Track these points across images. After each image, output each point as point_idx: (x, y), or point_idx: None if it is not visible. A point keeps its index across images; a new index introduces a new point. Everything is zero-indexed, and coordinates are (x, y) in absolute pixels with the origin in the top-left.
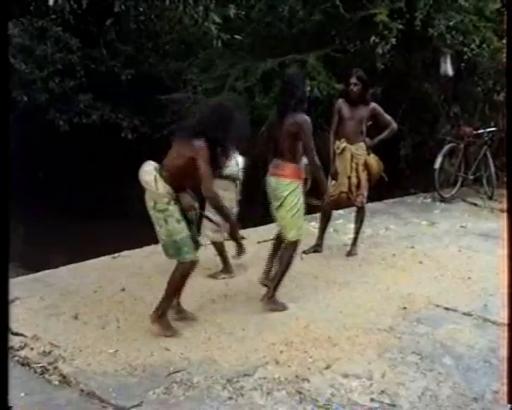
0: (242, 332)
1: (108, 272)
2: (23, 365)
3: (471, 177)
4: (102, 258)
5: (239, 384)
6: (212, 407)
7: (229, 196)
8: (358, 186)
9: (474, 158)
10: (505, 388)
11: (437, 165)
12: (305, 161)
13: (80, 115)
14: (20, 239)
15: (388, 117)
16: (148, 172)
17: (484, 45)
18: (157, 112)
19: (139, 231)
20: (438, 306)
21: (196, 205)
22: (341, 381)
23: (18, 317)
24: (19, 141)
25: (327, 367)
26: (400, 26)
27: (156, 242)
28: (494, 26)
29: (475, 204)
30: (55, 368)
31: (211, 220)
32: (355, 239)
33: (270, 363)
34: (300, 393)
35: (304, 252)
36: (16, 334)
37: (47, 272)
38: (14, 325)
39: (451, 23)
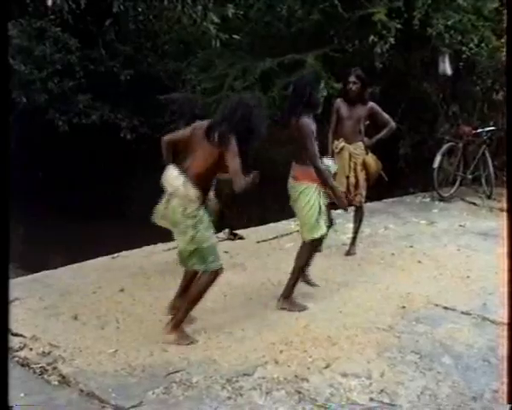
0: (242, 332)
1: (108, 273)
2: (22, 365)
3: (470, 176)
4: (102, 258)
5: (238, 384)
6: (212, 406)
7: None
8: (357, 186)
9: (473, 157)
10: (505, 387)
11: (436, 164)
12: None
13: (79, 116)
14: (20, 239)
15: (386, 116)
16: (176, 176)
17: (482, 44)
18: (156, 112)
19: (138, 232)
20: (437, 305)
21: (218, 208)
22: (340, 380)
23: (17, 317)
24: (18, 141)
25: (326, 367)
26: (399, 26)
27: (155, 242)
28: (492, 25)
29: (474, 203)
30: (55, 368)
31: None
32: (354, 239)
33: (269, 363)
34: (299, 392)
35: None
36: (15, 334)
37: (46, 272)
38: (13, 325)
39: (450, 22)
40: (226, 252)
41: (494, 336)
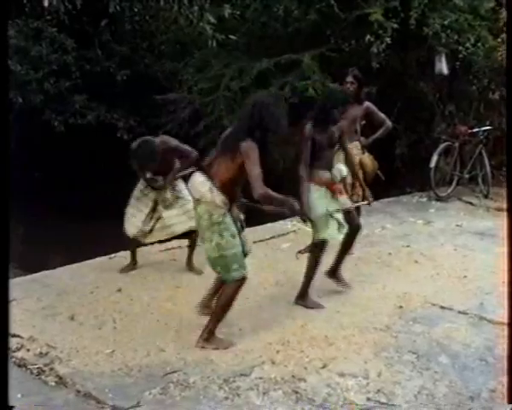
0: (238, 332)
1: (105, 273)
2: (20, 366)
3: (466, 176)
4: (99, 258)
5: (235, 384)
6: (209, 407)
7: None
8: (353, 186)
9: (470, 157)
10: (502, 386)
11: (432, 164)
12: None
13: (75, 116)
14: (18, 239)
15: (383, 115)
16: (202, 183)
17: (479, 44)
18: (153, 112)
19: None
20: (434, 305)
21: (242, 217)
22: (338, 380)
23: (15, 318)
24: (15, 142)
25: (323, 367)
26: (395, 26)
27: (152, 242)
28: (489, 24)
29: (471, 203)
30: (52, 369)
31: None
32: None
33: (266, 363)
34: (297, 392)
35: (299, 251)
36: (13, 335)
37: (44, 272)
38: (10, 326)
39: (446, 22)
40: None
41: (491, 335)
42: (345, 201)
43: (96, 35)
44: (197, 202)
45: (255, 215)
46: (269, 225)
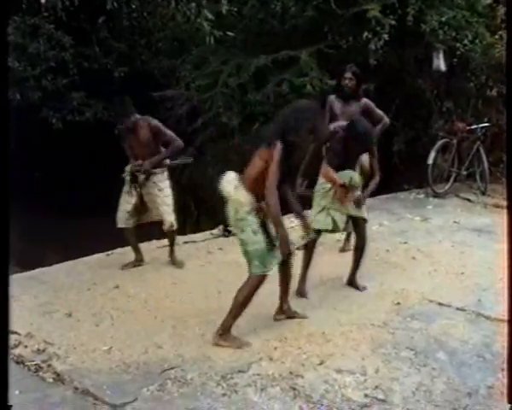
0: (236, 329)
1: (102, 270)
2: (17, 363)
3: (464, 172)
4: (96, 255)
5: (233, 381)
6: (206, 403)
7: None
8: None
9: (467, 153)
10: (499, 383)
11: (430, 160)
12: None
13: (73, 113)
14: (16, 237)
15: (380, 112)
16: (229, 181)
17: (476, 41)
18: (150, 109)
19: None
20: (431, 301)
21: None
22: (335, 377)
23: (12, 315)
24: (13, 139)
25: (321, 363)
26: (393, 22)
27: (150, 239)
28: (486, 21)
29: (468, 199)
30: (49, 366)
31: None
32: (348, 235)
33: (264, 359)
34: (294, 389)
35: (297, 248)
36: (10, 332)
37: (41, 269)
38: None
39: (444, 19)
40: (220, 249)
41: (489, 332)
42: (348, 208)
43: (94, 32)
44: (226, 199)
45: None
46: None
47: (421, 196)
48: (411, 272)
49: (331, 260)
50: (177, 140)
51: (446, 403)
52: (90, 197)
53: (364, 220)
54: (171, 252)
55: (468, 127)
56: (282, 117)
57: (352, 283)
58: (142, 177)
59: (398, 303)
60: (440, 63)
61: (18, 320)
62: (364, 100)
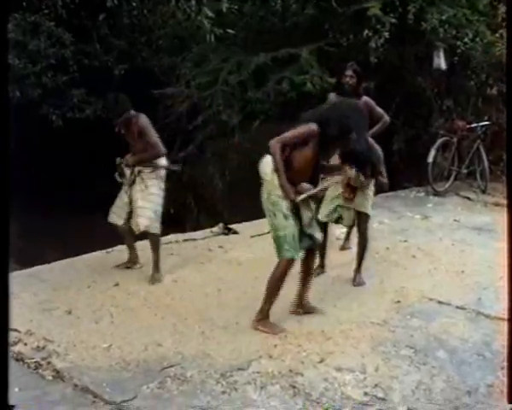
0: (236, 326)
1: (102, 267)
2: (17, 360)
3: (464, 171)
4: (96, 253)
5: (233, 379)
6: (206, 401)
7: None
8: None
9: (468, 152)
10: (498, 381)
11: (430, 159)
12: None
13: (73, 110)
14: (15, 235)
15: (380, 111)
16: (267, 162)
17: (477, 39)
18: (150, 107)
19: None
20: (431, 299)
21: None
22: (335, 375)
23: (12, 312)
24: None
25: (320, 361)
26: (393, 20)
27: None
28: (487, 19)
29: (468, 198)
30: (49, 363)
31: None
32: (348, 233)
33: (263, 357)
34: (294, 387)
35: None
36: (10, 330)
37: (41, 267)
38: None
39: (444, 17)
40: (220, 247)
41: (489, 330)
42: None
43: (94, 29)
44: (262, 180)
45: (252, 210)
46: (265, 219)
47: (422, 194)
48: (411, 271)
49: (331, 258)
50: (157, 147)
51: (446, 402)
52: (89, 195)
53: (367, 216)
54: (154, 263)
55: (468, 126)
56: (327, 109)
57: (354, 278)
58: (127, 172)
59: (398, 301)
60: (441, 61)
61: (17, 318)
62: (365, 98)
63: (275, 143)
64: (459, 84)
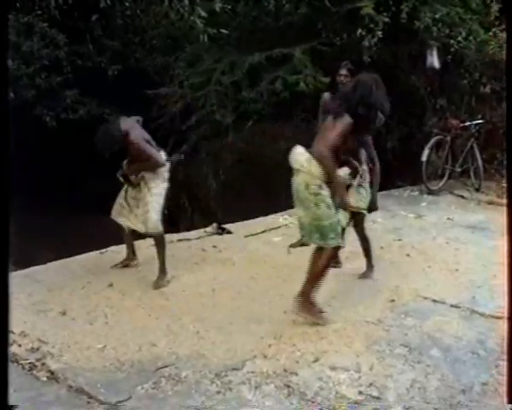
0: (230, 326)
1: (96, 268)
2: (11, 361)
3: (458, 169)
4: (90, 254)
5: (227, 379)
6: (201, 401)
7: None
8: None
9: (461, 150)
10: (493, 380)
11: (424, 157)
12: None
13: (67, 111)
14: (11, 235)
15: None
16: (302, 153)
17: (470, 38)
18: (144, 107)
19: None
20: (425, 298)
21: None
22: (329, 374)
23: None
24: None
25: (315, 360)
26: (386, 19)
27: (144, 237)
28: (480, 18)
29: (462, 196)
30: (44, 364)
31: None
32: (342, 233)
33: (258, 357)
34: (288, 386)
35: (291, 245)
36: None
37: (35, 268)
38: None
39: (437, 16)
40: (214, 246)
41: (483, 328)
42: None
43: (88, 30)
44: (296, 171)
45: (245, 210)
46: (260, 218)
47: (416, 193)
48: (405, 269)
49: None
50: (155, 159)
51: (441, 400)
52: (84, 195)
53: (363, 215)
54: (160, 264)
55: (461, 124)
56: (350, 91)
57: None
58: (133, 177)
59: (393, 300)
60: (434, 60)
61: (12, 319)
62: None
63: (325, 150)
64: (452, 82)
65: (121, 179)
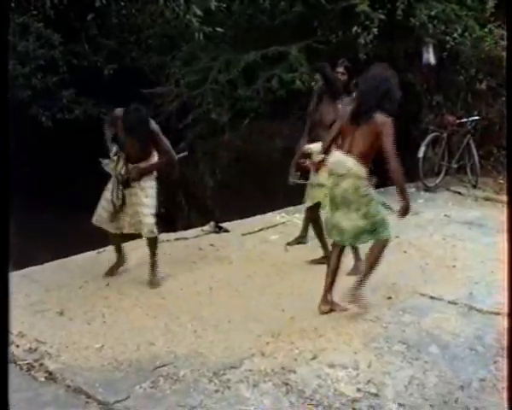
0: (228, 325)
1: (93, 268)
2: (9, 362)
3: (455, 166)
4: (87, 253)
5: (225, 377)
6: (199, 400)
7: None
8: None
9: (458, 147)
10: (491, 376)
11: (420, 154)
12: None
13: (63, 111)
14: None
15: None
16: (346, 159)
17: (466, 34)
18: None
19: None
20: (423, 295)
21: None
22: (328, 371)
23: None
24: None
25: (313, 358)
26: (382, 16)
27: (140, 236)
28: (476, 14)
29: (459, 193)
30: (41, 365)
31: None
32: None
33: (256, 355)
34: (287, 384)
35: (288, 243)
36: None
37: (33, 268)
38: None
39: (433, 12)
40: (212, 245)
41: (481, 324)
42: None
43: (83, 29)
44: (342, 177)
45: (242, 208)
46: (257, 217)
47: (412, 189)
48: (403, 266)
49: (322, 254)
50: (172, 154)
51: (439, 397)
52: (79, 195)
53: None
54: (152, 266)
55: (458, 121)
56: (370, 87)
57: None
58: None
59: (390, 297)
60: (430, 57)
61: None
62: (355, 94)
63: (395, 161)
64: (449, 79)
65: (119, 179)
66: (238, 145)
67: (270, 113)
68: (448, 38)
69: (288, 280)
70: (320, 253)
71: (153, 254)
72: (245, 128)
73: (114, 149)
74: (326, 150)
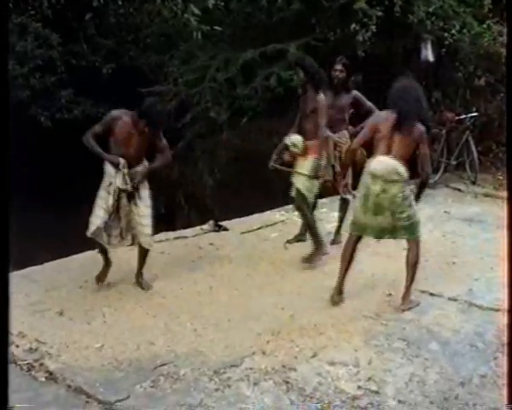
0: (228, 323)
1: (93, 267)
2: (9, 362)
3: (454, 162)
4: (87, 253)
5: (226, 375)
6: (199, 399)
7: None
8: (344, 176)
9: (457, 143)
10: (491, 372)
11: None
12: None
13: (62, 111)
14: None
15: (370, 104)
16: (396, 164)
17: (464, 30)
18: (139, 105)
19: None
20: (423, 292)
21: None
22: (328, 369)
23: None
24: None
25: (313, 356)
26: (380, 13)
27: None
28: (474, 10)
29: (459, 189)
30: (42, 365)
31: None
32: (339, 228)
33: (256, 353)
34: (287, 382)
35: (287, 241)
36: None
37: (32, 268)
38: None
39: (431, 9)
40: (211, 244)
41: (481, 321)
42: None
43: (81, 29)
44: (392, 182)
45: (242, 207)
46: (256, 215)
47: (412, 186)
48: (402, 263)
49: None
50: (168, 153)
51: (439, 393)
52: (79, 195)
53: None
54: (139, 271)
55: (456, 117)
56: (412, 99)
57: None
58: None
59: (390, 294)
60: (428, 54)
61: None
62: (354, 92)
63: (431, 171)
64: (447, 75)
65: (128, 188)
66: (237, 144)
67: (268, 111)
68: (446, 34)
69: (287, 278)
70: None
71: (142, 264)
72: (243, 126)
73: (122, 161)
74: (355, 148)
